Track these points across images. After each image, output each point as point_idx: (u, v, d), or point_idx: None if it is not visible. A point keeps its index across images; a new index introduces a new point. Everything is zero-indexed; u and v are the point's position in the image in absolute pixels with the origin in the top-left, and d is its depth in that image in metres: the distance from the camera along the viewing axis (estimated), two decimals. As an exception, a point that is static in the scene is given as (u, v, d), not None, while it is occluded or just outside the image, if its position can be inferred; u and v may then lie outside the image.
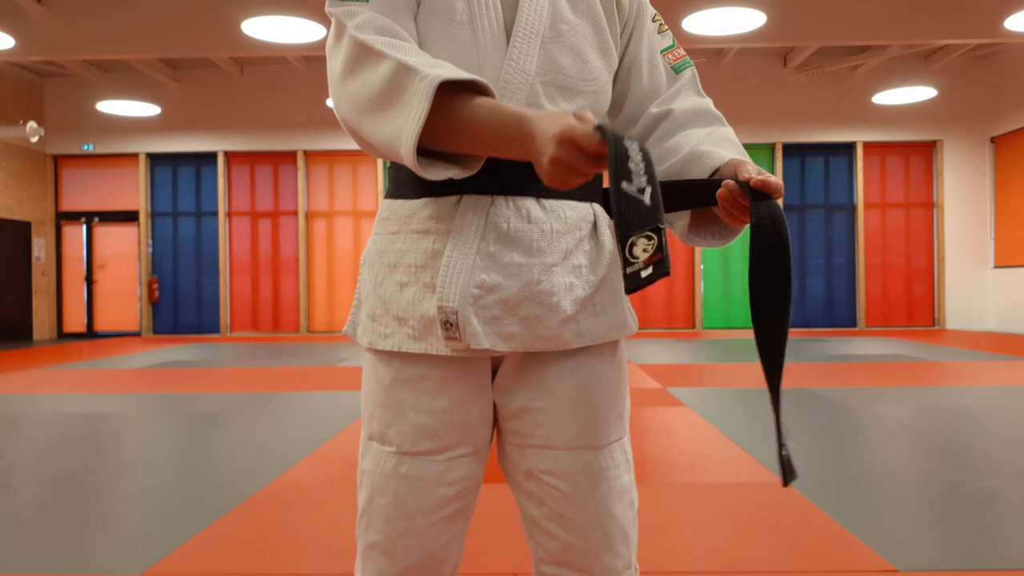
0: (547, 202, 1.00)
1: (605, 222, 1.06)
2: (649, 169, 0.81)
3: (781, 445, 0.93)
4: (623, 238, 0.80)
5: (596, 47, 1.05)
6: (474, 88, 0.89)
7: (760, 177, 0.91)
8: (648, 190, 0.81)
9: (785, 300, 0.93)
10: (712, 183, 0.98)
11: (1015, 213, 10.97)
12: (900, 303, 11.80)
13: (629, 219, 0.80)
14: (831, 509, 2.58)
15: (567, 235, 1.01)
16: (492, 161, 0.96)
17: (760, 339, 0.93)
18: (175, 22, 8.76)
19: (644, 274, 0.79)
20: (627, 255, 0.80)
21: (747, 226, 0.99)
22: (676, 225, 1.10)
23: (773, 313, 0.94)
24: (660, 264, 0.79)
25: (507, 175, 0.99)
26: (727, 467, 3.22)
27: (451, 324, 0.95)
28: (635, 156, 0.82)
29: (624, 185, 0.81)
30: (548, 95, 1.00)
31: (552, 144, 0.80)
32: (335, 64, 0.96)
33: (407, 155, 0.87)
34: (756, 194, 0.92)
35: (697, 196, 1.01)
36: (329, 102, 11.17)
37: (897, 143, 11.72)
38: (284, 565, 2.18)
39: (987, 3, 8.41)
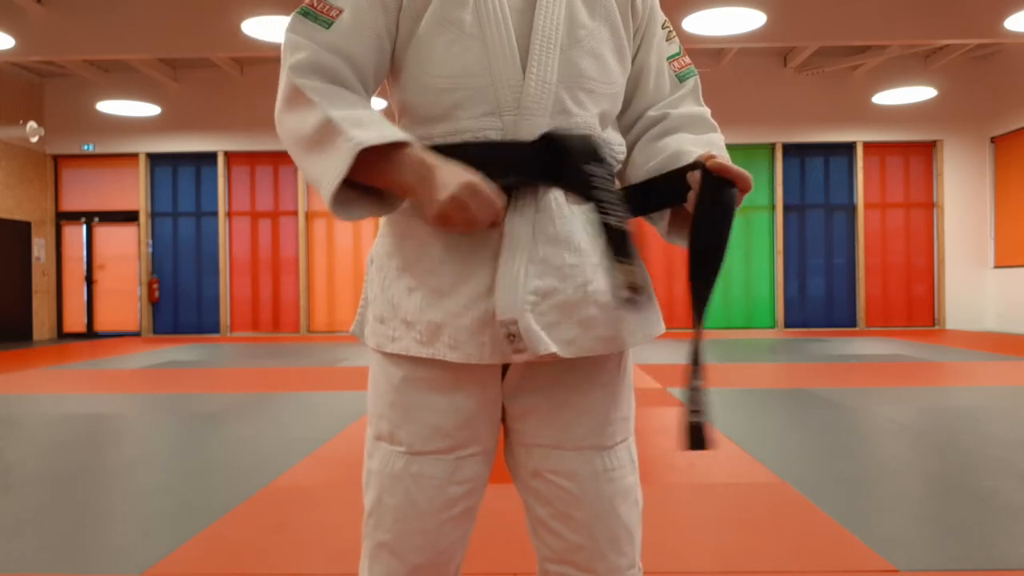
0: (576, 207, 1.01)
1: None
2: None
3: (693, 411, 0.95)
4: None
5: (613, 50, 1.05)
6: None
7: (719, 160, 0.94)
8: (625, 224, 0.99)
9: (708, 280, 0.99)
10: (681, 174, 1.00)
11: (1015, 213, 10.97)
12: (900, 303, 11.80)
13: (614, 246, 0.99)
14: (831, 509, 2.58)
15: (598, 238, 1.01)
16: (532, 168, 0.98)
17: (691, 301, 1.00)
18: (175, 22, 8.75)
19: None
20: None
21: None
22: (658, 224, 1.11)
23: (699, 283, 0.99)
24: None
25: (545, 179, 0.99)
26: (727, 467, 3.22)
27: (514, 335, 0.95)
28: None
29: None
30: (574, 99, 1.01)
31: (454, 187, 0.91)
32: (280, 90, 0.99)
33: (327, 203, 0.94)
34: (711, 177, 0.95)
35: (670, 192, 1.04)
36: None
37: (897, 143, 11.71)
38: (284, 565, 2.18)
39: (987, 3, 8.41)
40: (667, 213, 1.09)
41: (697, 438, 0.94)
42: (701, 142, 1.07)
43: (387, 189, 0.98)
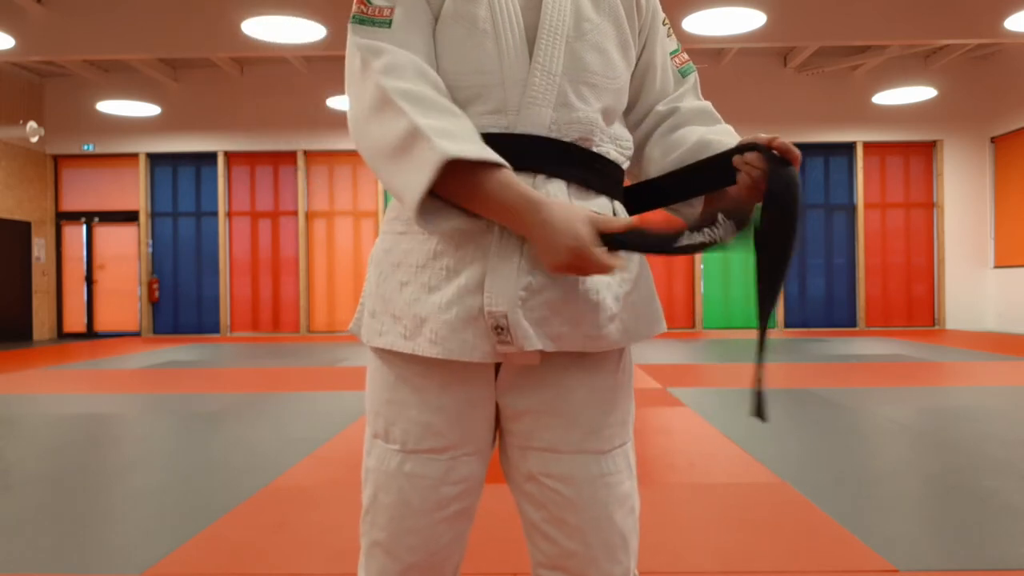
0: (577, 202, 1.00)
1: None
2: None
3: (758, 380, 0.98)
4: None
5: (618, 45, 1.06)
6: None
7: (782, 140, 0.95)
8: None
9: (783, 265, 0.97)
10: (725, 157, 1.00)
11: (1015, 213, 10.97)
12: (900, 303, 11.80)
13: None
14: (831, 509, 2.58)
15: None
16: (524, 160, 0.97)
17: (759, 285, 0.99)
18: (175, 22, 8.75)
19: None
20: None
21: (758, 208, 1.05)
22: (684, 214, 1.12)
23: (771, 271, 0.98)
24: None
25: (540, 171, 0.99)
26: (727, 467, 3.22)
27: (502, 328, 0.95)
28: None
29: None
30: (577, 93, 1.01)
31: (565, 253, 0.90)
32: (361, 99, 0.96)
33: (412, 214, 0.91)
34: (774, 158, 0.96)
35: (711, 176, 1.04)
36: (330, 102, 11.24)
37: (897, 143, 11.71)
38: (284, 565, 2.18)
39: (987, 3, 8.41)
40: (699, 203, 1.09)
41: (759, 407, 0.98)
42: (717, 131, 1.09)
43: (475, 212, 0.95)
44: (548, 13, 1.00)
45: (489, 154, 0.90)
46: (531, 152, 0.98)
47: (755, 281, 0.98)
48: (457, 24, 0.99)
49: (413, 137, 0.89)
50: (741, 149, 0.99)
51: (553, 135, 0.99)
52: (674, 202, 1.11)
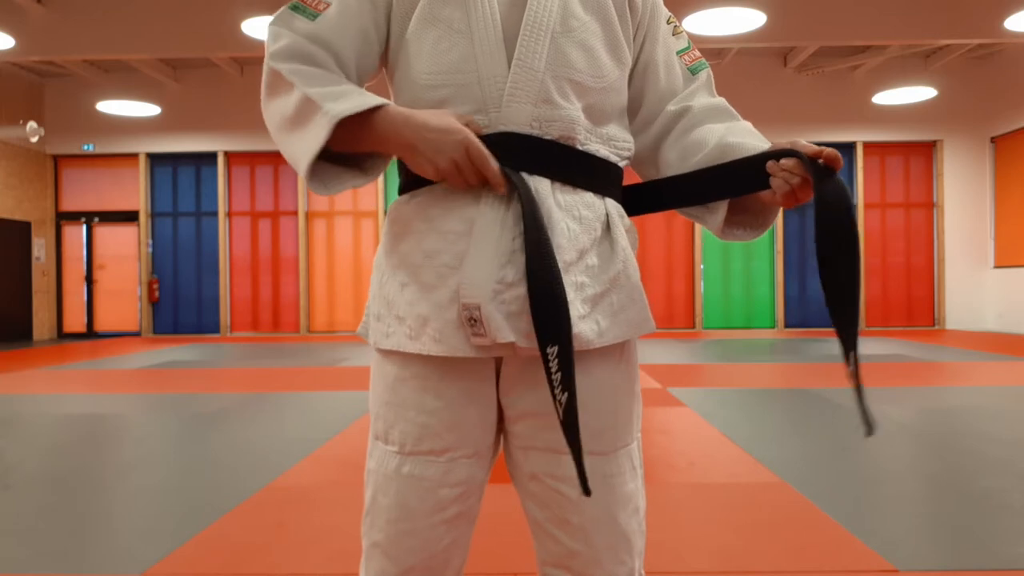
0: (562, 198, 1.00)
1: (619, 220, 1.06)
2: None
3: (861, 399, 0.95)
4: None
5: (606, 44, 1.05)
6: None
7: (831, 150, 0.94)
8: None
9: (854, 270, 0.96)
10: (759, 161, 0.99)
11: (1015, 213, 10.97)
12: (900, 303, 11.79)
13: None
14: (831, 509, 2.58)
15: (583, 235, 1.00)
16: (506, 159, 0.97)
17: (833, 305, 0.96)
18: (175, 22, 8.75)
19: None
20: None
21: (774, 219, 1.06)
22: (710, 220, 1.09)
23: (844, 283, 0.96)
24: None
25: (522, 169, 0.98)
26: (727, 467, 3.22)
27: (475, 320, 0.95)
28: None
29: None
30: (559, 90, 1.00)
31: (452, 146, 0.94)
32: (263, 81, 1.02)
33: (303, 176, 0.97)
34: (820, 169, 0.94)
35: (743, 180, 1.02)
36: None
37: (897, 143, 11.71)
38: (284, 565, 2.18)
39: (987, 3, 8.41)
40: (722, 208, 1.07)
41: (868, 423, 0.96)
42: (737, 131, 1.07)
43: (376, 152, 1.01)
44: (532, 9, 1.00)
45: (371, 100, 0.95)
46: (512, 150, 0.98)
47: (828, 304, 0.96)
48: (433, 27, 1.00)
49: (306, 106, 0.95)
50: (777, 155, 0.97)
51: (534, 132, 0.99)
52: (698, 203, 1.09)
